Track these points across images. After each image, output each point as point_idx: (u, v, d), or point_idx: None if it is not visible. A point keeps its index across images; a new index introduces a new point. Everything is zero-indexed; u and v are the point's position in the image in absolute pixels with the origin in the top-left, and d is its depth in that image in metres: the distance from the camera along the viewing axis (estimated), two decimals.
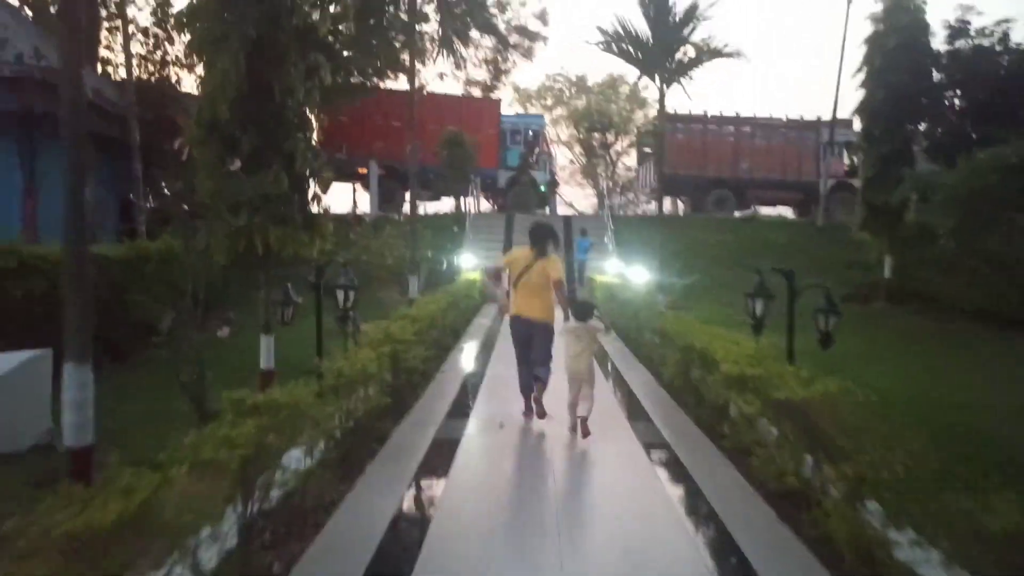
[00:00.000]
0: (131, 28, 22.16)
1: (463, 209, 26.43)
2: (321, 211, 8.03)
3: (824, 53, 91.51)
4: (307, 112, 8.07)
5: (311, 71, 8.41)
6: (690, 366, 7.08)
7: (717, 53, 13.43)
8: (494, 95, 31.17)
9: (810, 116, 28.86)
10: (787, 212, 30.81)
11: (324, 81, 8.72)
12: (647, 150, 31.96)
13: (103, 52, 23.07)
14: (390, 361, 6.59)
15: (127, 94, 14.74)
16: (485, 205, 29.72)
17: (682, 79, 13.62)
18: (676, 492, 4.94)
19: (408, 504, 4.72)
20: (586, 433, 5.99)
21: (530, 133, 28.80)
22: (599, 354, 10.76)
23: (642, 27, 13.52)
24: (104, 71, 21.92)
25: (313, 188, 7.89)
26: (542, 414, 6.47)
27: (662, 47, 13.25)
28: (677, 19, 13.36)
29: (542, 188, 28.35)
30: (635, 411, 7.26)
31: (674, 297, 14.70)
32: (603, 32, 13.69)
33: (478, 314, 15.94)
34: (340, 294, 6.14)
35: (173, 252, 11.45)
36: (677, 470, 5.34)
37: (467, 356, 10.72)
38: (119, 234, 14.93)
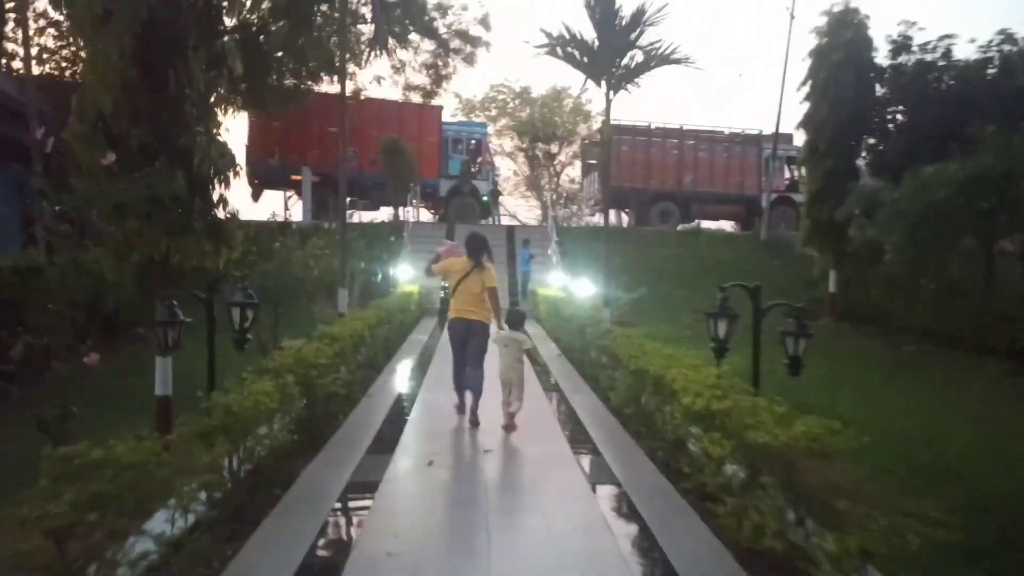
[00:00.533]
0: (42, 21, 20.75)
1: (401, 218, 25.50)
2: (228, 216, 7.11)
3: (769, 66, 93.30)
4: (211, 104, 7.15)
5: (217, 59, 7.47)
6: (643, 392, 6.39)
7: (665, 59, 12.87)
8: (436, 102, 30.20)
9: (754, 130, 28.89)
10: (728, 226, 30.75)
11: (234, 71, 7.80)
12: (592, 162, 31.56)
13: (17, 48, 21.40)
14: (300, 389, 5.69)
15: (28, 88, 13.33)
16: (426, 215, 28.83)
17: (629, 85, 13.02)
18: (631, 548, 4.18)
19: (308, 569, 3.85)
20: (512, 428, 6.51)
21: (472, 142, 28.04)
22: (542, 372, 10.07)
23: (588, 32, 12.90)
24: (10, 67, 20.25)
25: (219, 190, 6.95)
26: (475, 423, 6.76)
27: (609, 51, 12.64)
28: (624, 23, 12.78)
29: (485, 198, 27.61)
30: (581, 442, 6.49)
31: (621, 311, 14.06)
32: (547, 35, 12.99)
33: (415, 329, 15.06)
34: (236, 312, 5.22)
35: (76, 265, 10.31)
36: (632, 519, 4.58)
37: (399, 378, 9.83)
38: (23, 248, 13.49)
